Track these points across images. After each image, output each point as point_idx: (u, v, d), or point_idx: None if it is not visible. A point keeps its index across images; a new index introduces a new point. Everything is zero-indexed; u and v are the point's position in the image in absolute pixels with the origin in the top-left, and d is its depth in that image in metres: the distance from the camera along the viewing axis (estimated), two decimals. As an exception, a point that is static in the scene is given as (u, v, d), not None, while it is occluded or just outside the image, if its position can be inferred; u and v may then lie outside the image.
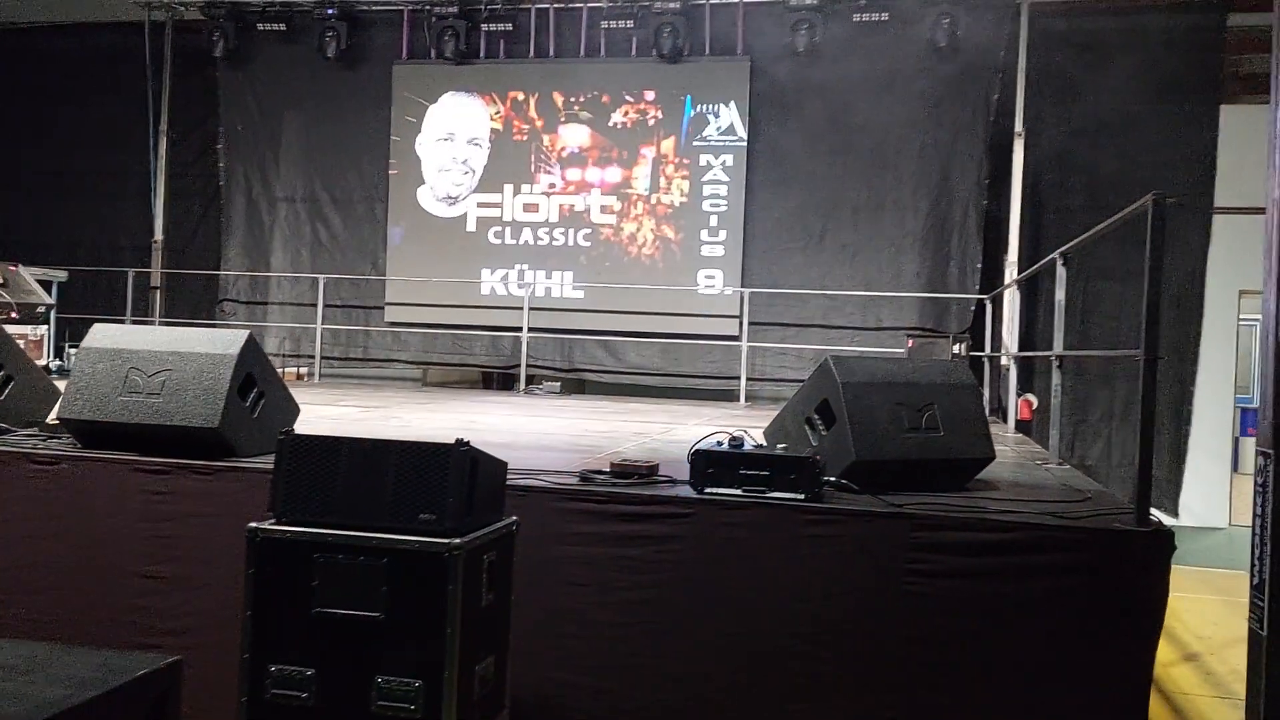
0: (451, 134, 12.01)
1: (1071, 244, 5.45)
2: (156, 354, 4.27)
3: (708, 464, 3.79)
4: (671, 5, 11.02)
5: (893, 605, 3.52)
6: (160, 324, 11.91)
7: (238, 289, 12.59)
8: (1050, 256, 5.82)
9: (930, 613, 3.49)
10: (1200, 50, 10.53)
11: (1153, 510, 3.51)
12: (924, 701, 3.48)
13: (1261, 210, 3.43)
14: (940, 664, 3.48)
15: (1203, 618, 7.00)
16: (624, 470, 4.03)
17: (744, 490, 3.72)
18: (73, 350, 9.51)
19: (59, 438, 4.45)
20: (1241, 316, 10.85)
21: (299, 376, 11.49)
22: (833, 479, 3.87)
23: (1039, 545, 3.46)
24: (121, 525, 4.07)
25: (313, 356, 11.68)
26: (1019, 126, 10.33)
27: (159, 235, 12.48)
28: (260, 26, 12.08)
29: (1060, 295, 5.59)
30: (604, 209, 11.65)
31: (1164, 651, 5.24)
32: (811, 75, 10.99)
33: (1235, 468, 11.23)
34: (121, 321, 10.94)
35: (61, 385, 4.60)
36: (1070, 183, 10.83)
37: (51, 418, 4.77)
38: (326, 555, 2.94)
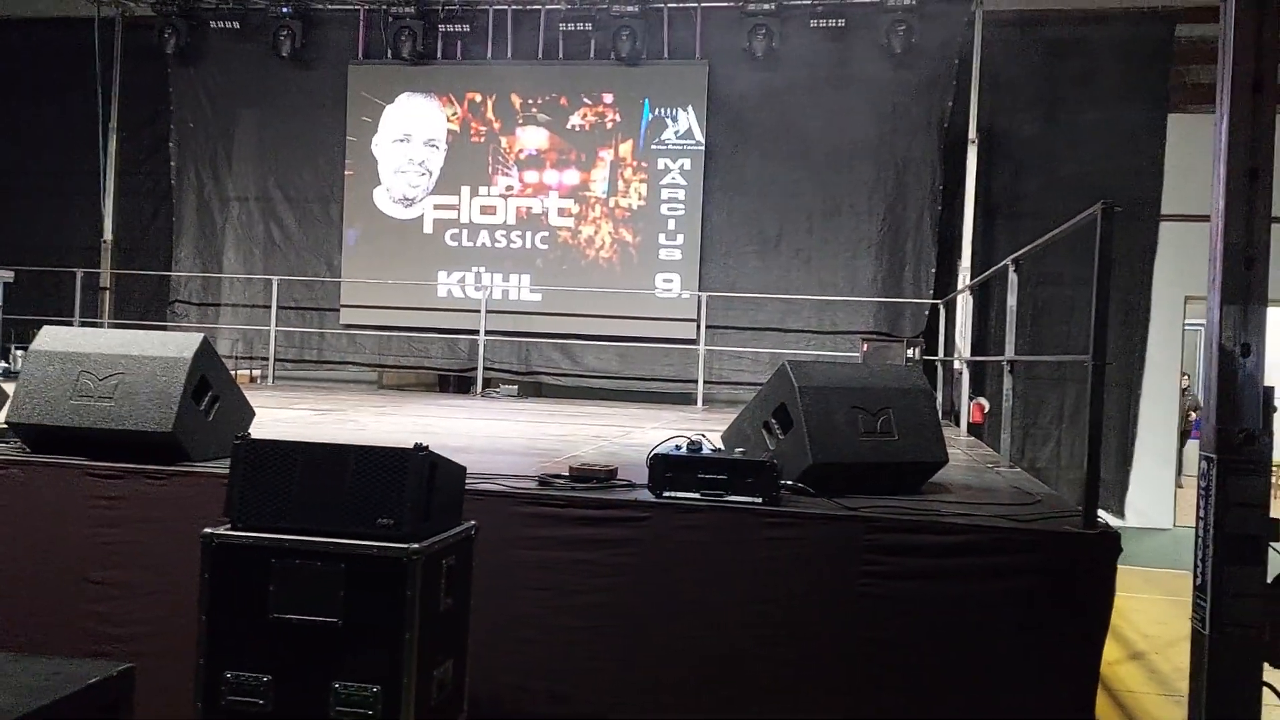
0: (408, 135, 11.94)
1: (1022, 251, 5.55)
2: (108, 357, 4.21)
3: (666, 468, 3.81)
4: (630, 9, 11.05)
5: (849, 607, 3.57)
6: (109, 326, 11.72)
7: (189, 290, 12.40)
8: (1002, 263, 5.92)
9: (886, 614, 3.54)
10: (1149, 60, 10.78)
11: (1100, 512, 3.59)
12: (880, 701, 3.53)
13: (1207, 218, 3.53)
14: (895, 664, 3.53)
15: (1148, 617, 7.16)
16: (582, 474, 4.04)
17: (702, 494, 3.75)
18: (19, 352, 9.33)
19: (7, 442, 4.37)
20: (1187, 321, 11.11)
21: (252, 379, 11.35)
22: (790, 482, 3.91)
23: (991, 547, 3.53)
24: (72, 531, 4.00)
25: (266, 359, 11.54)
26: (972, 133, 10.49)
27: (108, 235, 12.27)
28: (213, 24, 11.93)
29: (1011, 301, 5.69)
30: (562, 212, 11.65)
31: (1111, 650, 5.35)
32: (769, 80, 11.07)
33: (1181, 470, 11.50)
34: (69, 323, 10.74)
35: (9, 388, 4.52)
36: (1022, 189, 11.02)
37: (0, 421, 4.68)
38: (283, 560, 2.92)
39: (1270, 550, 3.21)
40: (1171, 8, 10.58)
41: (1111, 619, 3.52)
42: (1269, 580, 3.24)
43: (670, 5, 11.27)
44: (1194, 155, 9.88)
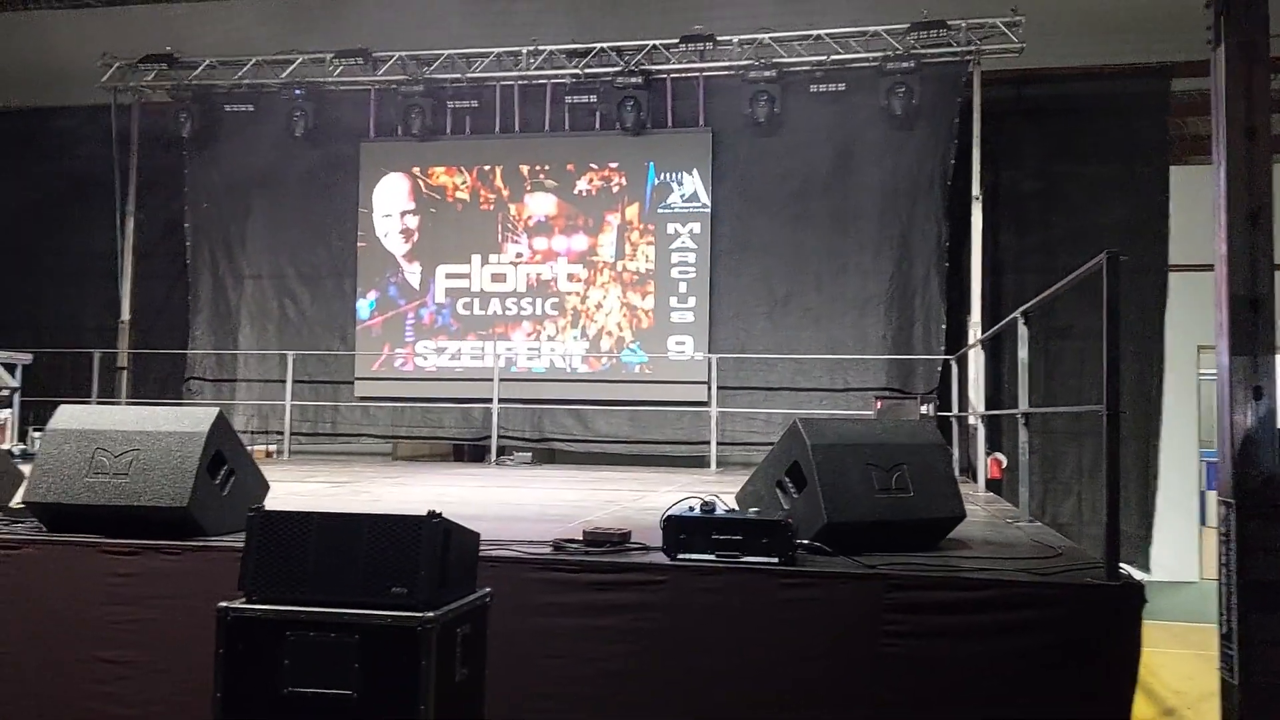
0: (416, 207, 12.11)
1: (1030, 303, 5.56)
2: (124, 434, 4.24)
3: (680, 530, 3.79)
4: (634, 80, 11.26)
5: (871, 666, 3.51)
6: (127, 405, 11.79)
7: (204, 367, 12.50)
8: (1011, 316, 5.93)
9: (907, 673, 3.48)
10: (1147, 114, 10.90)
11: (1123, 565, 3.55)
12: (904, 764, 3.45)
13: (1213, 267, 3.54)
14: (919, 725, 3.46)
15: (1178, 672, 7.01)
16: (596, 538, 4.02)
17: (717, 555, 3.72)
18: (37, 434, 9.38)
19: (24, 522, 4.38)
20: (1201, 371, 11.05)
21: (268, 454, 11.36)
22: (805, 541, 3.88)
23: (1013, 602, 3.48)
24: (87, 609, 3.99)
25: (281, 433, 11.57)
26: (976, 190, 10.57)
27: (126, 315, 12.41)
28: (228, 108, 12.20)
29: (1023, 354, 5.68)
30: (570, 277, 11.75)
31: (1141, 707, 5.23)
32: (772, 144, 11.23)
33: (1203, 521, 11.34)
34: (87, 403, 10.82)
35: (26, 469, 4.54)
36: (1028, 244, 11.08)
37: (16, 501, 4.69)
38: (297, 633, 2.90)
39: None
40: (1166, 63, 10.72)
41: (1140, 674, 3.45)
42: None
43: (673, 75, 11.48)
44: (1198, 206, 9.92)
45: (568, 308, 11.72)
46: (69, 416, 4.40)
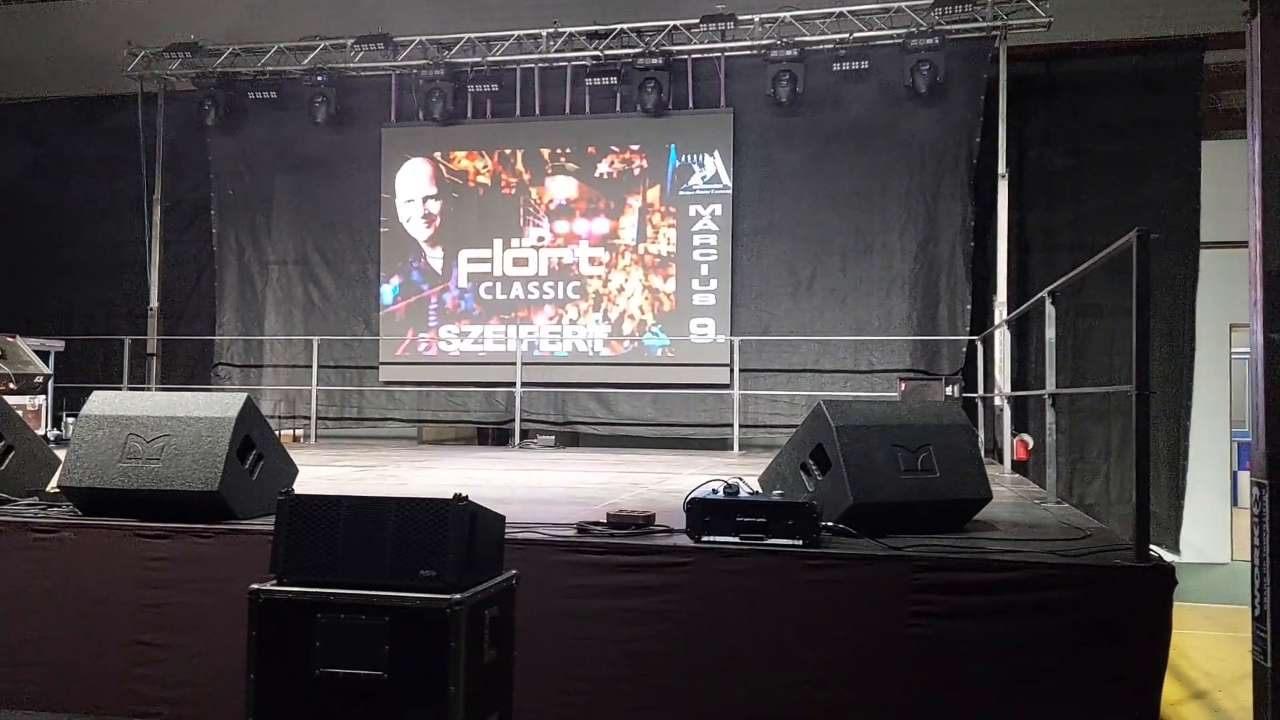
0: (438, 192, 12.13)
1: (1059, 282, 5.51)
2: (155, 419, 4.29)
3: (704, 512, 3.80)
4: (654, 61, 11.21)
5: (897, 647, 3.51)
6: (157, 390, 11.92)
7: (232, 353, 12.61)
8: (1038, 295, 5.87)
9: (935, 655, 3.48)
10: (1178, 88, 10.72)
11: (1153, 547, 3.52)
12: (931, 745, 3.45)
13: (1246, 244, 3.48)
14: (947, 705, 3.46)
15: (1208, 654, 6.95)
16: (621, 521, 4.03)
17: (741, 538, 3.72)
18: (70, 419, 9.50)
19: (59, 506, 4.45)
20: (1233, 350, 10.91)
21: (295, 438, 11.46)
22: (831, 524, 3.87)
23: (1041, 584, 3.46)
24: (121, 592, 4.05)
25: (308, 418, 11.67)
26: (1002, 168, 10.44)
27: (154, 302, 12.52)
28: (251, 95, 12.24)
29: (1050, 334, 5.63)
30: (592, 260, 11.74)
31: (1171, 689, 5.20)
32: (794, 124, 11.15)
33: (1235, 502, 11.22)
34: (118, 389, 10.94)
35: (60, 454, 4.61)
36: (1056, 222, 10.95)
37: (52, 486, 4.77)
38: (328, 614, 2.93)
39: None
40: (1198, 35, 10.55)
41: (1171, 657, 3.43)
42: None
43: (694, 56, 11.42)
44: (1230, 181, 9.80)
45: (589, 291, 11.72)
46: (102, 402, 4.46)
